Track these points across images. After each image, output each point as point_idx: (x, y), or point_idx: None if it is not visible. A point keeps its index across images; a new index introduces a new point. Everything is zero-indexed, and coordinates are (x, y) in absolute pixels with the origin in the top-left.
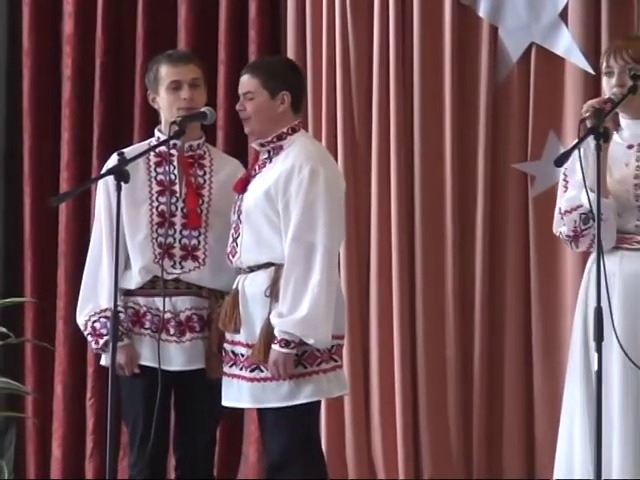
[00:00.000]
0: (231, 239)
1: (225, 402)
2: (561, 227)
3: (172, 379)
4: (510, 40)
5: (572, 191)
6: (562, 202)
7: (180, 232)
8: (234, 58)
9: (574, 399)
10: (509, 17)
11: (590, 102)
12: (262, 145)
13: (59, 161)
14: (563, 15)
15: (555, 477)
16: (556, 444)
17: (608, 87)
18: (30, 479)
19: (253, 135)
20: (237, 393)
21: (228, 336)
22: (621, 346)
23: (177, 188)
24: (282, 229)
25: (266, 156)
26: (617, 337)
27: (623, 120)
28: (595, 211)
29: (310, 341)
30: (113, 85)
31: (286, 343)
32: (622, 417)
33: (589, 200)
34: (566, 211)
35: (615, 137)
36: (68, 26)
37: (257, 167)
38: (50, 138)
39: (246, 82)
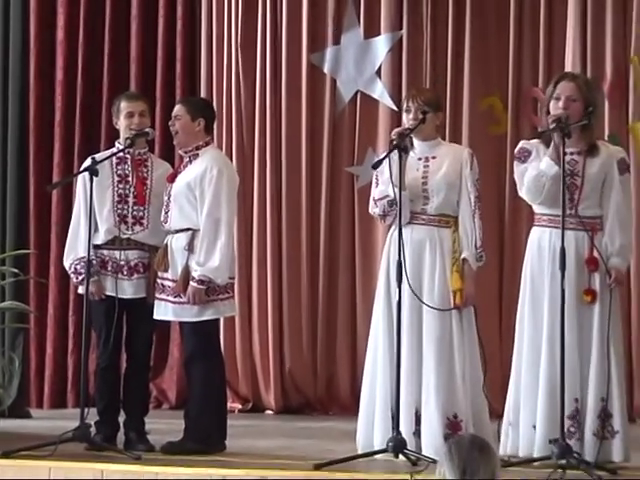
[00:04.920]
0: (164, 212)
1: (156, 316)
2: (374, 209)
3: (124, 303)
4: (344, 88)
5: (382, 186)
6: (375, 193)
7: (132, 207)
8: (166, 98)
9: (377, 327)
10: (343, 73)
11: (396, 130)
12: (185, 152)
13: (52, 162)
14: (378, 72)
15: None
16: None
17: (407, 120)
18: (31, 367)
19: (179, 145)
20: (164, 311)
21: (159, 274)
22: (411, 288)
23: (130, 179)
24: (198, 208)
25: (188, 160)
26: (408, 281)
27: (416, 141)
28: (397, 199)
29: (218, 281)
30: (89, 113)
31: (201, 282)
32: (409, 340)
33: (394, 192)
34: (379, 199)
35: (411, 153)
36: (59, 74)
37: (182, 167)
38: (46, 147)
39: (177, 109)
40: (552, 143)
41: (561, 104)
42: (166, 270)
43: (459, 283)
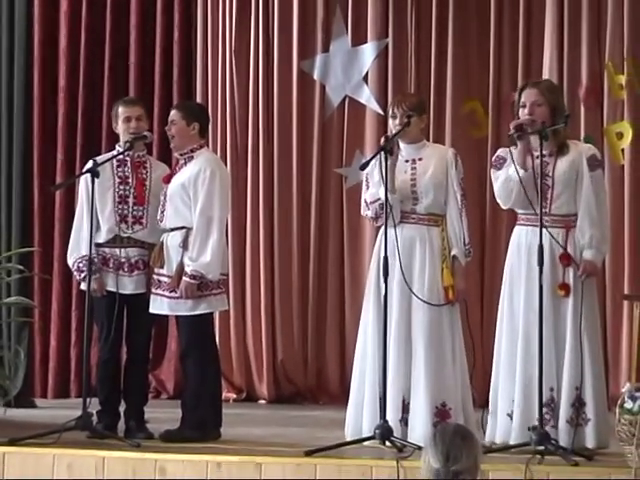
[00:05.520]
0: (160, 211)
1: (152, 310)
2: (367, 212)
3: (125, 299)
4: (332, 93)
5: (373, 189)
6: (366, 195)
7: (132, 207)
8: (164, 103)
9: (367, 321)
10: (332, 79)
11: (385, 136)
12: (181, 155)
13: (55, 164)
14: (365, 78)
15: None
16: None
17: (393, 125)
18: (36, 359)
19: (175, 149)
20: (160, 305)
21: (156, 270)
22: (405, 279)
23: (130, 180)
24: (192, 207)
25: (183, 162)
26: (403, 275)
27: (402, 144)
28: (384, 200)
29: (209, 276)
30: (90, 118)
31: (193, 277)
32: (397, 333)
33: (386, 194)
34: (371, 202)
35: (399, 156)
36: (62, 81)
37: (177, 168)
38: (50, 150)
39: (173, 114)
40: (518, 148)
41: (527, 111)
42: (162, 266)
43: (450, 279)
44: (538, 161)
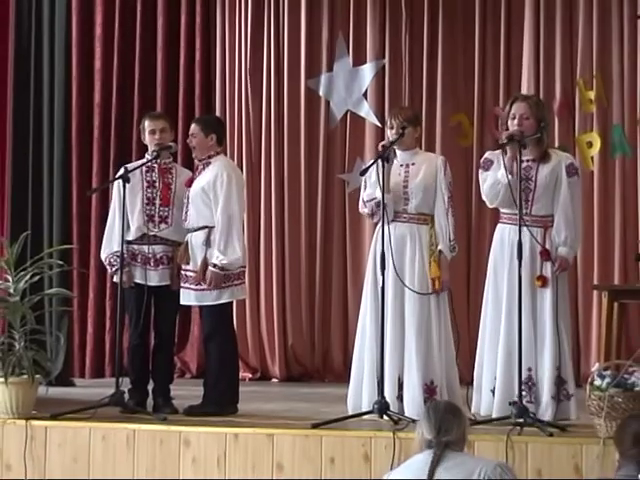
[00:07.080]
0: (184, 212)
1: (182, 302)
2: (364, 209)
3: (152, 290)
4: (336, 107)
5: (369, 189)
6: (364, 195)
7: (158, 208)
8: (187, 116)
9: (365, 309)
10: (335, 95)
11: (382, 143)
12: (200, 161)
13: (91, 171)
14: (365, 94)
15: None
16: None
17: (390, 134)
18: (75, 344)
19: (196, 157)
20: (188, 297)
21: (183, 266)
22: (397, 274)
23: (157, 184)
24: (213, 207)
25: (202, 167)
26: (395, 270)
27: (398, 151)
28: (381, 200)
29: (232, 267)
30: (122, 130)
31: (219, 268)
32: (392, 319)
33: (382, 194)
34: (367, 201)
35: (394, 161)
36: (97, 97)
37: (198, 173)
38: (86, 159)
39: (192, 127)
40: (507, 155)
41: (516, 122)
42: (187, 263)
43: (437, 271)
44: (522, 166)
